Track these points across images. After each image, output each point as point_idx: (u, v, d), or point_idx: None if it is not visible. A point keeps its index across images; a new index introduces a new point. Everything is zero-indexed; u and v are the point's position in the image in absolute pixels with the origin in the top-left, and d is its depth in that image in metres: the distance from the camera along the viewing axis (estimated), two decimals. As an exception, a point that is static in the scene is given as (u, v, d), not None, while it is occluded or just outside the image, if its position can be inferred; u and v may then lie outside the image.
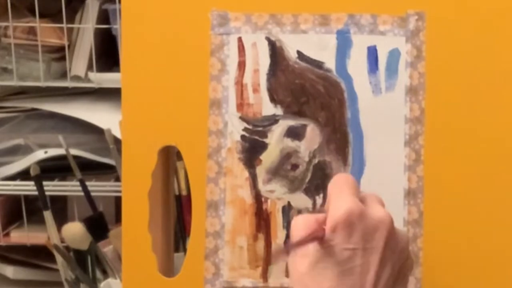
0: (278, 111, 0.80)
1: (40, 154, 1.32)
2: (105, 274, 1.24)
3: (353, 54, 0.80)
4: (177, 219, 1.21)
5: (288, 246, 0.64)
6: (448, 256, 0.79)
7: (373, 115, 0.80)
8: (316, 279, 0.62)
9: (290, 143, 0.80)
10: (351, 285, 0.61)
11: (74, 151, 1.30)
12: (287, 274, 0.80)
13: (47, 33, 1.34)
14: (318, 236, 0.62)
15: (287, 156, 0.80)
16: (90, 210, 1.28)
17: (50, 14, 1.36)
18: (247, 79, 0.81)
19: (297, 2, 0.80)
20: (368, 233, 0.62)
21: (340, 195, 0.64)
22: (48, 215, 1.28)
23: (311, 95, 0.80)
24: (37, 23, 1.32)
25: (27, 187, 1.32)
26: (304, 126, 0.80)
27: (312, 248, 0.62)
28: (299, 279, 0.63)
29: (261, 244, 0.81)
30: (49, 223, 1.29)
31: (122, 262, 0.84)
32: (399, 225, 0.79)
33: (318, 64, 0.80)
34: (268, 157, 0.81)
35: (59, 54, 1.37)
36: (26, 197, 1.37)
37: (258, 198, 0.81)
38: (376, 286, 0.62)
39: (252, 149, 0.81)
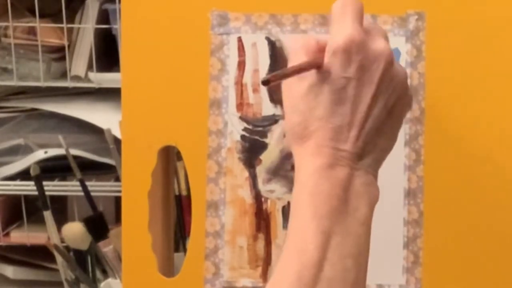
0: (278, 111, 0.80)
1: (40, 154, 1.33)
2: (105, 274, 1.24)
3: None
4: (177, 219, 1.21)
5: (287, 70, 0.61)
6: (448, 256, 0.79)
7: (373, 115, 0.80)
8: (309, 104, 0.61)
9: (290, 143, 0.80)
10: (342, 114, 0.60)
11: (74, 151, 1.30)
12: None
13: (47, 33, 1.35)
14: (317, 64, 0.61)
15: (287, 156, 0.80)
16: (90, 210, 1.29)
17: (50, 14, 1.36)
18: (247, 79, 0.81)
19: (297, 2, 0.80)
20: (365, 64, 0.61)
21: (344, 20, 0.62)
22: (48, 215, 1.29)
23: (311, 95, 0.80)
24: (37, 23, 1.32)
25: (27, 187, 1.32)
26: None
27: (309, 72, 0.61)
28: (292, 103, 0.62)
29: (261, 244, 0.81)
30: (49, 223, 1.29)
31: (122, 262, 0.84)
32: (399, 225, 0.79)
33: (318, 64, 0.80)
34: (268, 157, 0.81)
35: (59, 54, 1.37)
36: (26, 197, 1.37)
37: (258, 198, 0.81)
38: (367, 117, 0.61)
39: (252, 149, 0.81)
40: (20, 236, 1.40)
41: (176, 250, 1.07)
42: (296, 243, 0.59)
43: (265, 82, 0.59)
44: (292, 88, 0.63)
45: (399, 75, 0.63)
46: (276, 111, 0.80)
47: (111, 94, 1.31)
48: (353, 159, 0.61)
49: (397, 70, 0.63)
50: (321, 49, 0.62)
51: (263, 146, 0.81)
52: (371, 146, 0.62)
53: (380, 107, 0.62)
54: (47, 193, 1.28)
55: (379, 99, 0.61)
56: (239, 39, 0.81)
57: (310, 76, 0.61)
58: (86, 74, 1.35)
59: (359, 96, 0.61)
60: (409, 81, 0.79)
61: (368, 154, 0.62)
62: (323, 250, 0.58)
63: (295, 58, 0.64)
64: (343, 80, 0.61)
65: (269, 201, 0.81)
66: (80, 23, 1.35)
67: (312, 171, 0.60)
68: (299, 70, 0.62)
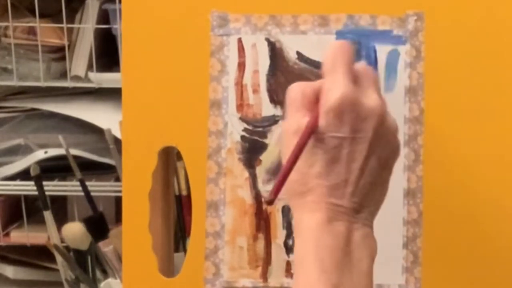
0: (278, 111, 0.81)
1: (40, 154, 1.33)
2: (105, 274, 1.24)
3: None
4: (177, 219, 1.21)
5: (284, 171, 0.62)
6: (448, 256, 0.79)
7: (372, 116, 0.80)
8: (307, 162, 0.63)
9: (289, 144, 0.80)
10: (337, 173, 0.62)
11: (74, 151, 1.30)
12: (287, 274, 0.80)
13: (47, 33, 1.35)
14: (314, 131, 0.62)
15: (287, 157, 0.80)
16: (90, 210, 1.29)
17: (50, 14, 1.36)
18: (247, 80, 0.81)
19: (297, 3, 0.80)
20: (358, 122, 0.62)
21: (335, 75, 0.63)
22: (48, 215, 1.29)
23: (310, 96, 0.80)
24: (37, 23, 1.32)
25: (27, 187, 1.32)
26: (303, 127, 0.80)
27: (303, 127, 0.63)
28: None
29: (261, 244, 0.81)
30: (49, 223, 1.29)
31: (122, 262, 0.84)
32: (398, 224, 0.79)
33: (318, 65, 0.80)
34: (268, 158, 0.81)
35: (59, 54, 1.37)
36: (26, 197, 1.37)
37: (258, 198, 0.81)
38: (362, 174, 0.62)
39: (252, 150, 0.81)
40: (20, 236, 1.40)
41: (176, 250, 1.07)
42: None
43: (270, 202, 0.62)
44: (289, 141, 0.64)
45: (390, 128, 0.64)
46: (276, 111, 0.81)
47: (111, 94, 1.31)
48: (351, 213, 0.62)
49: (388, 123, 0.64)
50: (316, 94, 0.64)
51: (263, 147, 0.81)
52: (367, 200, 0.63)
53: (374, 163, 0.63)
54: (47, 193, 1.28)
55: (372, 155, 0.63)
56: (239, 40, 0.81)
57: (306, 135, 0.63)
58: (86, 74, 1.35)
59: (353, 154, 0.62)
60: (408, 82, 0.79)
61: (365, 207, 0.63)
62: None
63: (292, 108, 0.65)
64: (336, 140, 0.62)
65: (269, 201, 0.81)
66: (80, 23, 1.35)
67: (313, 225, 0.62)
68: (295, 159, 0.62)
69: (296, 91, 0.65)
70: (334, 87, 0.63)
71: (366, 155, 0.62)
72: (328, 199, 0.62)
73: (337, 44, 0.67)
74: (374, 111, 0.62)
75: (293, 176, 0.63)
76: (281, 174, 0.62)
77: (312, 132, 0.63)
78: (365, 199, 0.63)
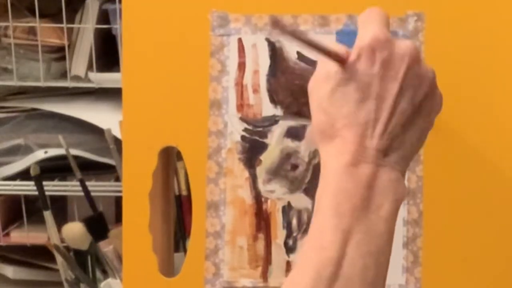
0: (278, 111, 0.81)
1: (40, 154, 1.33)
2: (105, 274, 1.24)
3: (352, 55, 0.80)
4: (177, 219, 1.21)
5: (309, 39, 0.61)
6: (448, 255, 0.79)
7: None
8: (335, 103, 0.62)
9: (290, 144, 0.81)
10: (367, 111, 0.61)
11: (74, 151, 1.30)
12: (287, 274, 0.80)
13: (47, 33, 1.34)
14: (341, 58, 0.62)
15: (287, 157, 0.81)
16: (90, 210, 1.28)
17: (50, 14, 1.36)
18: (247, 80, 0.81)
19: (297, 3, 0.80)
20: (389, 61, 0.61)
21: (370, 24, 0.63)
22: (48, 215, 1.29)
23: (311, 96, 0.80)
24: (37, 23, 1.32)
25: (27, 187, 1.32)
26: (304, 127, 0.80)
27: (334, 72, 0.62)
28: (318, 103, 0.63)
29: (261, 244, 0.81)
30: (49, 223, 1.29)
31: (122, 262, 0.84)
32: (398, 224, 0.79)
33: (318, 65, 0.80)
34: (268, 158, 0.81)
35: (59, 54, 1.37)
36: (26, 197, 1.37)
37: (258, 198, 0.81)
38: (393, 113, 0.61)
39: (252, 150, 0.81)
40: (20, 236, 1.39)
41: (176, 250, 1.07)
42: (316, 240, 0.60)
43: (274, 24, 0.58)
44: (318, 88, 0.63)
45: (426, 73, 0.63)
46: (276, 111, 0.81)
47: (111, 94, 1.31)
48: (379, 155, 0.61)
49: (424, 68, 0.63)
50: (348, 52, 0.63)
51: (263, 147, 0.81)
52: (398, 143, 0.62)
53: (406, 104, 0.62)
54: (47, 193, 1.28)
55: (404, 95, 0.62)
56: (239, 40, 0.81)
57: (336, 75, 0.62)
58: (86, 74, 1.35)
59: (384, 92, 0.61)
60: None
61: (395, 150, 0.62)
62: (343, 248, 0.58)
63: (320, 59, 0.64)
64: (367, 78, 0.61)
65: (269, 201, 0.81)
66: (80, 23, 1.35)
67: (337, 168, 0.61)
68: (324, 51, 0.61)
69: (329, 41, 0.65)
70: (367, 31, 0.62)
71: (396, 94, 0.61)
72: (356, 140, 0.61)
73: (374, 9, 0.66)
74: (406, 51, 0.62)
75: (321, 117, 0.62)
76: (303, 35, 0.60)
77: (336, 57, 0.61)
78: (395, 141, 0.62)
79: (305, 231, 0.81)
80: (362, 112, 0.61)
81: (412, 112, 0.62)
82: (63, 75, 1.37)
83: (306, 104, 0.80)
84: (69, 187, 1.33)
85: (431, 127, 0.65)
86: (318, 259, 0.59)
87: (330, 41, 0.65)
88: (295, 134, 0.81)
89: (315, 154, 0.80)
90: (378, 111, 0.61)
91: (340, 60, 0.62)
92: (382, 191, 0.61)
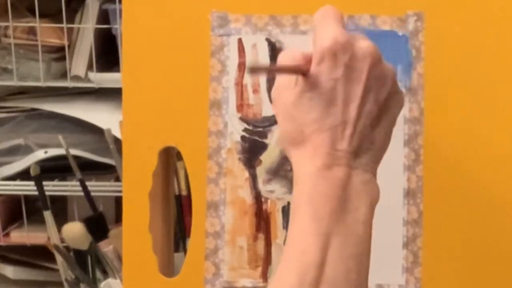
0: (278, 111, 0.81)
1: (40, 154, 1.33)
2: (105, 274, 1.24)
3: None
4: (177, 219, 1.21)
5: (271, 66, 0.63)
6: (448, 256, 0.79)
7: (372, 116, 0.80)
8: (302, 110, 0.62)
9: (290, 144, 0.81)
10: (335, 114, 0.61)
11: (74, 151, 1.30)
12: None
13: (47, 33, 1.34)
14: (302, 70, 0.62)
15: (287, 157, 0.80)
16: (90, 210, 1.29)
17: (50, 14, 1.36)
18: (247, 80, 0.81)
19: (297, 3, 0.80)
20: (352, 63, 0.62)
21: (326, 26, 0.63)
22: (48, 215, 1.29)
23: (310, 96, 0.80)
24: (37, 23, 1.32)
25: (27, 187, 1.32)
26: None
27: (297, 79, 0.62)
28: (285, 111, 0.63)
29: (261, 244, 0.81)
30: (49, 223, 1.29)
31: (122, 262, 0.84)
32: (398, 224, 0.79)
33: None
34: (268, 158, 0.81)
35: (59, 54, 1.37)
36: (26, 197, 1.37)
37: (258, 198, 0.81)
38: (360, 114, 0.62)
39: (252, 150, 0.81)
40: (20, 236, 1.40)
41: (176, 250, 1.07)
42: (297, 245, 0.60)
43: (252, 70, 0.61)
44: (282, 96, 0.64)
45: (388, 71, 0.64)
46: (276, 111, 0.81)
47: (111, 94, 1.31)
48: (350, 157, 0.62)
49: (386, 66, 0.64)
50: (306, 59, 0.63)
51: (263, 147, 0.81)
52: (367, 144, 0.63)
53: (372, 103, 0.62)
54: (47, 193, 1.28)
55: (369, 95, 0.62)
56: (239, 41, 0.81)
57: (300, 82, 0.62)
58: (86, 74, 1.35)
59: (349, 95, 0.62)
60: (408, 82, 0.79)
61: (365, 152, 0.62)
62: (324, 251, 0.59)
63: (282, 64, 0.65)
64: (332, 82, 0.62)
65: (269, 201, 0.81)
66: (80, 23, 1.35)
67: (311, 173, 0.61)
68: (286, 69, 0.63)
69: (286, 54, 0.65)
70: (326, 32, 0.62)
71: (362, 95, 0.62)
72: (326, 144, 0.61)
73: (327, 7, 0.66)
74: (366, 51, 0.62)
75: (289, 125, 0.63)
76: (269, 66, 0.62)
77: (297, 71, 0.62)
78: (365, 142, 0.62)
79: (305, 231, 0.81)
80: (330, 116, 0.61)
81: (378, 111, 0.63)
82: (63, 75, 1.37)
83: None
84: (69, 187, 1.34)
85: (394, 124, 0.65)
86: (300, 264, 0.59)
87: (284, 54, 0.65)
88: (295, 134, 0.80)
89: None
90: (346, 114, 0.61)
91: (302, 72, 0.62)
92: (357, 193, 0.61)
